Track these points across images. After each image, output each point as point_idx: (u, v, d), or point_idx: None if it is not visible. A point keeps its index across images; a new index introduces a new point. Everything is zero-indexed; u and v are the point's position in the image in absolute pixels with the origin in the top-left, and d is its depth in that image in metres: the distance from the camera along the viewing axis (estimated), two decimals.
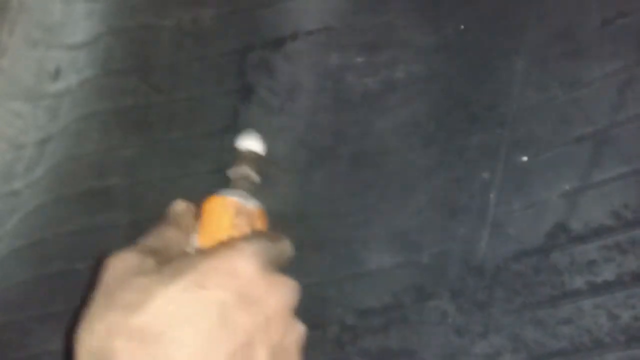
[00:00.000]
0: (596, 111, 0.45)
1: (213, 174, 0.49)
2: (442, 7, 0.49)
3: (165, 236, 0.38)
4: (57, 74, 0.43)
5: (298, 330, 0.36)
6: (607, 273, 0.43)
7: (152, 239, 0.38)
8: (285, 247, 0.38)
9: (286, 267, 0.37)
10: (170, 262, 0.34)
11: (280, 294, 0.34)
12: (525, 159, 0.46)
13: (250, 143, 0.46)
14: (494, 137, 0.47)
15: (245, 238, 0.37)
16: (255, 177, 0.45)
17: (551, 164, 0.45)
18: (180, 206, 0.41)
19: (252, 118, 0.50)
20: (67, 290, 0.46)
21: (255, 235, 0.39)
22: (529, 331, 0.43)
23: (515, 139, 0.46)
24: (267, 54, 0.50)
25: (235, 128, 0.49)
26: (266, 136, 0.49)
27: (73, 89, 0.45)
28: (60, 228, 0.47)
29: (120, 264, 0.34)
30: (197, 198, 0.45)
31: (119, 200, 0.48)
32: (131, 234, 0.48)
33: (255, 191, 0.44)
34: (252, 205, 0.42)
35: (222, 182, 0.47)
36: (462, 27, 0.48)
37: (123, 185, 0.48)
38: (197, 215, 0.41)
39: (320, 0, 0.50)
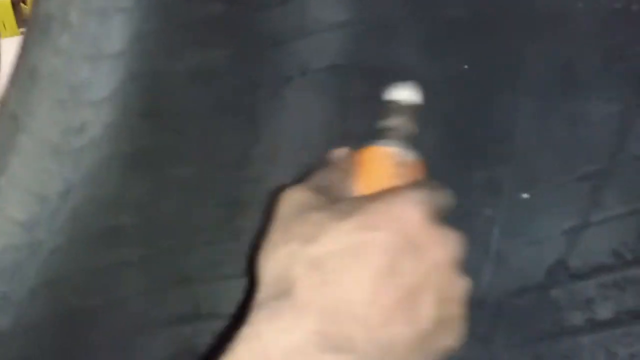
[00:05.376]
0: (597, 151, 0.46)
1: (223, 207, 0.51)
2: (446, 45, 0.50)
3: (330, 177, 0.40)
4: (81, 129, 0.45)
5: (463, 283, 0.36)
6: (606, 311, 0.44)
7: (320, 179, 0.40)
8: (447, 197, 0.39)
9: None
10: (339, 201, 0.36)
11: (446, 244, 0.35)
12: (526, 196, 0.47)
13: (407, 93, 0.45)
14: (497, 173, 0.48)
15: (410, 186, 0.38)
16: (413, 128, 0.44)
17: (553, 201, 0.46)
18: (342, 152, 0.43)
19: (263, 152, 0.52)
20: (80, 327, 0.48)
21: (419, 183, 0.39)
22: None
23: (518, 176, 0.48)
24: (277, 89, 0.52)
25: (245, 164, 0.50)
26: (276, 169, 0.50)
27: (95, 139, 0.47)
28: (74, 267, 0.49)
29: (295, 199, 0.37)
30: (207, 231, 0.46)
31: (130, 237, 0.50)
32: (142, 269, 0.50)
33: (413, 142, 0.44)
34: (411, 156, 0.42)
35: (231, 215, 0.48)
36: (466, 66, 0.49)
37: (134, 223, 0.49)
38: (357, 163, 0.42)
39: (327, 40, 0.51)
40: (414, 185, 0.38)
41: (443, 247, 0.35)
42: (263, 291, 0.34)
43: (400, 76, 0.51)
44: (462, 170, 0.49)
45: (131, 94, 0.49)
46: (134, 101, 0.49)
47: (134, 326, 0.45)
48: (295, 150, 0.52)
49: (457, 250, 0.36)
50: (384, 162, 0.41)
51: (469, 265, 0.48)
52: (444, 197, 0.38)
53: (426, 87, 0.50)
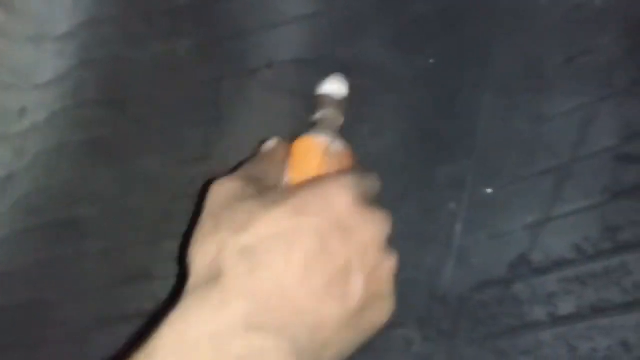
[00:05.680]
0: (559, 146, 0.46)
1: (186, 200, 0.50)
2: (412, 41, 0.50)
3: (261, 168, 0.41)
4: (21, 113, 0.44)
5: (391, 260, 0.37)
6: (567, 305, 0.44)
7: (250, 170, 0.40)
8: (375, 182, 0.40)
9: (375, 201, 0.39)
10: (269, 190, 0.37)
11: (374, 225, 0.36)
12: (490, 191, 0.47)
13: (335, 86, 0.46)
14: (461, 168, 0.48)
15: (339, 173, 0.39)
16: (340, 119, 0.46)
17: (515, 196, 0.46)
18: (273, 142, 0.44)
19: (226, 146, 0.51)
20: (34, 321, 0.47)
21: (347, 170, 0.41)
22: None
23: (481, 170, 0.48)
24: (242, 82, 0.51)
25: (208, 156, 0.50)
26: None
27: (40, 125, 0.46)
28: (27, 259, 0.48)
29: (225, 190, 0.37)
30: (169, 224, 0.45)
31: (88, 229, 0.48)
32: (101, 263, 0.49)
33: (341, 132, 0.45)
34: (339, 145, 0.43)
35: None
36: (432, 61, 0.49)
37: (93, 214, 0.48)
38: (288, 154, 0.43)
39: (293, 33, 0.51)
40: (342, 172, 0.40)
41: (371, 226, 0.36)
42: (193, 280, 0.34)
43: (366, 70, 0.51)
44: (426, 165, 0.49)
45: (84, 80, 0.48)
46: (88, 88, 0.48)
47: (91, 320, 0.44)
48: (261, 143, 0.51)
49: (385, 229, 0.37)
50: (313, 152, 0.42)
51: (431, 260, 0.48)
52: (371, 182, 0.39)
53: (392, 82, 0.50)
